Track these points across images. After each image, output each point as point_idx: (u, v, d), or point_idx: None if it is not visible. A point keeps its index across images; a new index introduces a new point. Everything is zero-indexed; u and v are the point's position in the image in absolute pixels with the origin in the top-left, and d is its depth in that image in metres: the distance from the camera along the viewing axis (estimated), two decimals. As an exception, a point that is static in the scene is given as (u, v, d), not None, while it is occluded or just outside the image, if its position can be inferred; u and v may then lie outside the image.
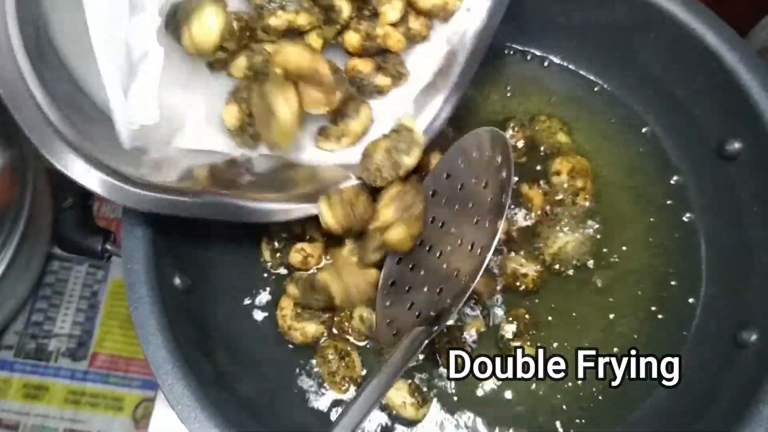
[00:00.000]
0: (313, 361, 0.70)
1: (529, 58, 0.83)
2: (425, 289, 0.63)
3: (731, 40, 0.68)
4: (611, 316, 0.71)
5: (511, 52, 0.83)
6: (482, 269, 0.58)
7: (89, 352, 1.33)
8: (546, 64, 0.83)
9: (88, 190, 0.58)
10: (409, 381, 0.67)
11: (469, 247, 0.61)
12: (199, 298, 0.67)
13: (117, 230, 0.68)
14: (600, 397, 0.68)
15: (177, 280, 0.66)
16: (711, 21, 0.69)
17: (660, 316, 0.71)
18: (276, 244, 0.73)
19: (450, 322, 0.67)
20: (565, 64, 0.82)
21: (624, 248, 0.74)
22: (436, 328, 0.59)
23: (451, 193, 0.64)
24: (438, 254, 0.63)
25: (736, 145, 0.69)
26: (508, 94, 0.81)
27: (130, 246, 0.62)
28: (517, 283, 0.71)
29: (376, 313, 0.66)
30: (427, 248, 0.64)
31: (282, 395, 0.68)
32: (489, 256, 0.58)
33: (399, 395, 0.66)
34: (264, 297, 0.72)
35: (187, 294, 0.66)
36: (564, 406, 0.68)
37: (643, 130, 0.79)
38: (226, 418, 0.57)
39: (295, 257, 0.70)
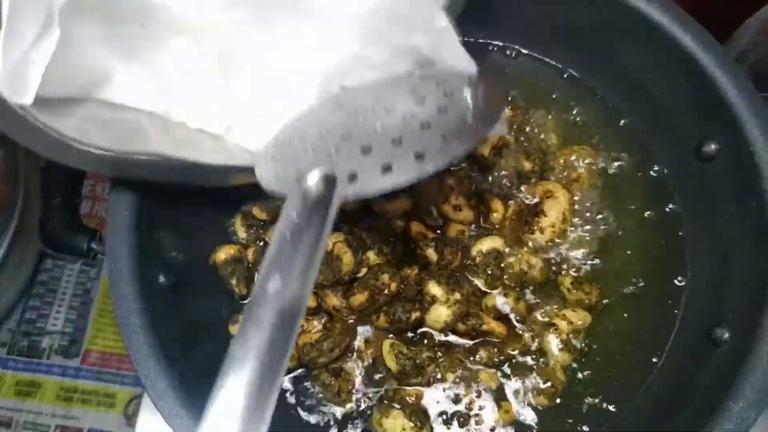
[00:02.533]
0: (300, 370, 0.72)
1: (508, 53, 0.85)
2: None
3: (708, 44, 0.69)
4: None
5: (494, 48, 0.85)
6: None
7: (82, 350, 1.34)
8: (518, 58, 0.84)
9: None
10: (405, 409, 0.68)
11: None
12: (184, 297, 0.68)
13: (104, 229, 0.69)
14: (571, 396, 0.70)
15: (161, 278, 0.66)
16: (688, 25, 0.69)
17: (641, 312, 0.73)
18: (251, 220, 0.75)
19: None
20: (543, 58, 0.84)
21: (605, 245, 0.75)
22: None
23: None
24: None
25: (713, 147, 0.71)
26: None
27: (114, 245, 0.63)
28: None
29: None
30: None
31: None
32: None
33: (396, 423, 0.67)
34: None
35: (171, 292, 0.67)
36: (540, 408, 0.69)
37: (621, 122, 0.81)
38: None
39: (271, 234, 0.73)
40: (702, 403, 0.61)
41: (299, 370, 0.71)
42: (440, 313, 0.68)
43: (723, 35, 0.81)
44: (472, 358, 0.70)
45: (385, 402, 0.69)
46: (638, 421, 0.67)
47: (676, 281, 0.74)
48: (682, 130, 0.74)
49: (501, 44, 0.85)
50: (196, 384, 0.61)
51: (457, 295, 0.68)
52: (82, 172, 0.72)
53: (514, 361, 0.70)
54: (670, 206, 0.77)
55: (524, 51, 0.84)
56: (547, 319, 0.71)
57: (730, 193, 0.69)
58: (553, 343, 0.70)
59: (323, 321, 0.72)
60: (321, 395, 0.70)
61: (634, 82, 0.77)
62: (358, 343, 0.72)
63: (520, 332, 0.71)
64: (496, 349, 0.70)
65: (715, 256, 0.71)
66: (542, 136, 0.80)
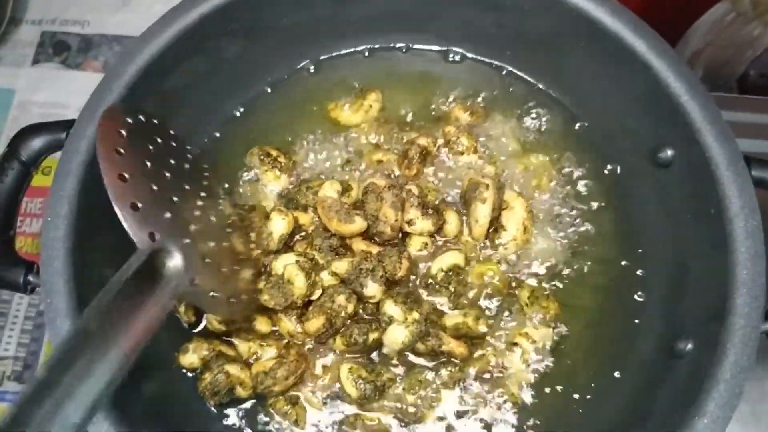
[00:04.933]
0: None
1: (457, 58, 0.84)
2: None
3: (660, 48, 0.68)
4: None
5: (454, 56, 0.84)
6: None
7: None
8: (463, 62, 0.84)
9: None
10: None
11: None
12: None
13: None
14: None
15: (103, 312, 0.63)
16: (640, 29, 0.68)
17: (601, 326, 0.71)
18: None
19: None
20: (495, 62, 0.83)
21: (562, 257, 0.73)
22: None
23: None
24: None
25: (669, 153, 0.69)
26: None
27: (49, 278, 0.60)
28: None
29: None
30: None
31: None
32: None
33: None
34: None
35: (114, 325, 0.64)
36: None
37: (576, 126, 0.80)
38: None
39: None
40: (666, 418, 0.60)
41: (250, 402, 0.69)
42: (398, 334, 0.66)
43: (674, 37, 0.80)
44: (433, 378, 0.68)
45: (345, 429, 0.67)
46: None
47: (635, 295, 0.72)
48: (638, 136, 0.73)
49: (445, 49, 0.84)
50: (143, 422, 0.58)
51: (416, 314, 0.66)
52: (16, 200, 0.68)
53: (474, 381, 0.68)
54: (628, 215, 0.75)
55: (469, 55, 0.83)
56: (507, 338, 0.69)
57: (687, 200, 0.68)
58: (516, 361, 0.68)
59: (276, 346, 0.69)
60: (278, 427, 0.67)
61: (588, 90, 0.75)
62: (316, 369, 0.69)
63: (481, 352, 0.69)
64: (457, 368, 0.68)
65: (674, 266, 0.69)
66: (503, 140, 0.78)
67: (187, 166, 0.64)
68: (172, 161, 0.62)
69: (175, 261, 0.53)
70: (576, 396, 0.68)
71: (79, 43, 1.33)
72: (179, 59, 0.71)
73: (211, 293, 0.57)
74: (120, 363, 0.47)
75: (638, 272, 0.73)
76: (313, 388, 0.69)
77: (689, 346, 0.63)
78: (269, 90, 0.83)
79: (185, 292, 0.54)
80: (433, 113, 0.81)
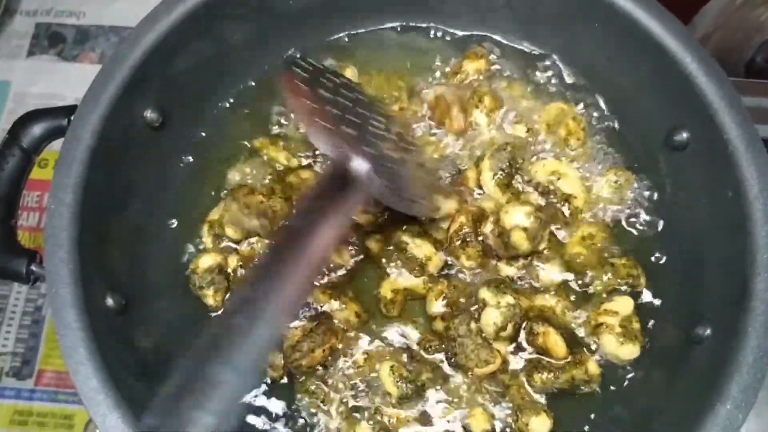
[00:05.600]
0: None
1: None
2: None
3: (675, 29, 0.66)
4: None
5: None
6: None
7: (35, 370, 1.27)
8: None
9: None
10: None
11: None
12: (134, 319, 0.64)
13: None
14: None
15: (109, 301, 0.62)
16: (654, 9, 0.67)
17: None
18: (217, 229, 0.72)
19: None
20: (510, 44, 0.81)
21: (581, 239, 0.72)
22: None
23: None
24: None
25: (684, 136, 0.68)
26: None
27: (54, 268, 0.59)
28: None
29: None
30: None
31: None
32: None
33: None
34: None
35: (120, 315, 0.63)
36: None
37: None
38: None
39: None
40: (686, 405, 0.59)
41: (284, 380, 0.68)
42: (491, 316, 0.65)
43: (682, 21, 0.79)
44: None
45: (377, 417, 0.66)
46: (621, 425, 0.65)
47: (651, 278, 0.71)
48: (653, 120, 0.71)
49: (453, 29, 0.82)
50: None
51: (509, 298, 0.65)
52: (18, 188, 0.67)
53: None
54: (643, 199, 0.74)
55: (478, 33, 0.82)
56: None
57: (704, 183, 0.67)
58: (610, 341, 0.67)
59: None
60: (307, 411, 0.66)
61: (601, 73, 0.74)
62: (357, 356, 0.68)
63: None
64: (551, 375, 0.67)
65: (691, 250, 0.68)
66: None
67: (361, 97, 0.68)
68: (348, 93, 0.66)
69: (363, 166, 0.58)
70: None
71: (74, 35, 1.31)
72: (186, 42, 0.69)
73: (398, 193, 0.63)
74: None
75: (653, 258, 0.71)
76: (346, 373, 0.68)
77: (708, 331, 0.62)
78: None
79: (375, 191, 0.59)
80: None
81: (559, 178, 0.72)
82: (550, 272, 0.71)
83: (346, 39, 0.83)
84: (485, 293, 0.66)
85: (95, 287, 0.60)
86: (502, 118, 0.77)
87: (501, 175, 0.71)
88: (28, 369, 1.28)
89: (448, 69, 0.80)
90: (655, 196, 0.73)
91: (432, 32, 0.82)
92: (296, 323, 0.68)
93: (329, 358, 0.67)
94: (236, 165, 0.76)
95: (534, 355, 0.67)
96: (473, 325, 0.66)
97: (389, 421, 0.65)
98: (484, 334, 0.66)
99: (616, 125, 0.76)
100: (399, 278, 0.71)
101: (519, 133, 0.76)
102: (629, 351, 0.66)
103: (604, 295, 0.69)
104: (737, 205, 0.61)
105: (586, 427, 0.66)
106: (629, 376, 0.67)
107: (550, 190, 0.72)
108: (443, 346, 0.68)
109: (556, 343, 0.66)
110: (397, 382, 0.65)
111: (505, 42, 0.81)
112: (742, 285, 0.59)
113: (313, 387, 0.67)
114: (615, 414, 0.65)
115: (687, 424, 0.56)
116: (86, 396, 0.55)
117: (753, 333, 0.57)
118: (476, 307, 0.67)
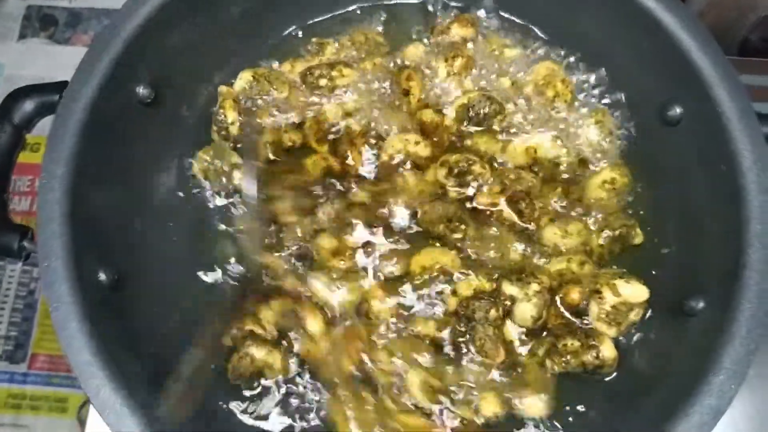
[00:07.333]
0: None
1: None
2: None
3: (671, 4, 0.66)
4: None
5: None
6: None
7: (28, 354, 1.27)
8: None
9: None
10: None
11: None
12: (127, 294, 0.63)
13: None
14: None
15: (102, 276, 0.61)
16: (649, -16, 0.67)
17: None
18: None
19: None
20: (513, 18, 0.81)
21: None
22: None
23: None
24: None
25: (678, 111, 0.68)
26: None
27: (47, 242, 0.58)
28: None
29: None
30: None
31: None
32: None
33: None
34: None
35: (113, 290, 0.62)
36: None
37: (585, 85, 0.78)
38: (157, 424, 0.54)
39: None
40: (680, 377, 0.59)
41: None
42: (525, 310, 0.65)
43: None
44: None
45: None
46: (614, 399, 0.65)
47: (644, 252, 0.71)
48: (647, 96, 0.71)
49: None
50: (144, 390, 0.56)
51: (535, 286, 0.65)
52: (9, 164, 0.66)
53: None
54: (639, 173, 0.73)
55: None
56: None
57: (698, 157, 0.67)
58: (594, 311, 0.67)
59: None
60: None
61: (597, 49, 0.74)
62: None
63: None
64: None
65: (684, 224, 0.68)
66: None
67: None
68: None
69: None
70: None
71: (66, 18, 1.30)
72: (180, 17, 0.69)
73: None
74: None
75: (647, 230, 0.71)
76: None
77: (701, 304, 0.62)
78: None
79: None
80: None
81: (536, 151, 0.72)
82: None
83: (358, 12, 0.83)
84: (510, 288, 0.66)
85: (88, 261, 0.60)
86: (484, 75, 0.77)
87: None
88: (22, 353, 1.28)
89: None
90: (648, 170, 0.73)
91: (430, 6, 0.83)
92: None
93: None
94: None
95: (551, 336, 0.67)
96: (492, 312, 0.65)
97: None
98: (495, 330, 0.66)
99: (608, 100, 0.76)
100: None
101: (503, 86, 0.76)
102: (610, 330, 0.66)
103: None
104: (731, 177, 0.61)
105: (581, 406, 0.65)
106: (623, 349, 0.66)
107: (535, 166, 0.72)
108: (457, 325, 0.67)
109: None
110: (429, 394, 0.64)
111: (499, 15, 0.81)
112: (736, 256, 0.59)
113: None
114: (609, 388, 0.65)
115: (681, 395, 0.56)
116: (79, 369, 0.55)
117: (746, 305, 0.57)
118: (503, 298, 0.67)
